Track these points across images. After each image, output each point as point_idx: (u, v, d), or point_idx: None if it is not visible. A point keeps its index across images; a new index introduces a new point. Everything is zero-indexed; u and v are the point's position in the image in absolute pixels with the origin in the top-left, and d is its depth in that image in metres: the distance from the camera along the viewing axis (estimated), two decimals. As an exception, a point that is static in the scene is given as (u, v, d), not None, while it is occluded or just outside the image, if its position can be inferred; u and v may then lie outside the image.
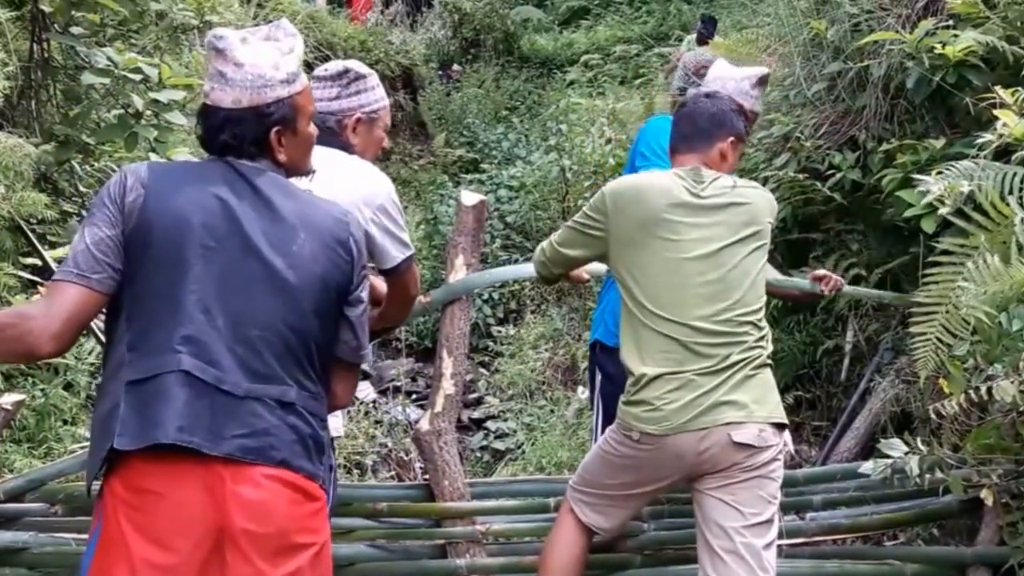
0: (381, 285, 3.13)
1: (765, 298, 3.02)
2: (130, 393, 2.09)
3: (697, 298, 2.86)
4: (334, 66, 3.13)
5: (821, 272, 3.62)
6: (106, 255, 2.15)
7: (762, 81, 3.63)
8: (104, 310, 2.21)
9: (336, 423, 2.85)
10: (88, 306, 2.14)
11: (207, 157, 2.34)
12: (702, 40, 10.52)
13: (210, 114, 2.29)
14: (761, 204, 3.05)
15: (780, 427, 2.89)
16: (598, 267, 3.50)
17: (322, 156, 2.91)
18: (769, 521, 2.85)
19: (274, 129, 2.29)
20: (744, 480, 2.82)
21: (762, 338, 2.92)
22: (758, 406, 2.84)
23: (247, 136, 2.27)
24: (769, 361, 2.95)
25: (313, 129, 2.42)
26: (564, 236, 3.16)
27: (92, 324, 4.10)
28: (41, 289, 4.35)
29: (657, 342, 2.86)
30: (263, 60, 2.28)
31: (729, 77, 3.59)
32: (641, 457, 2.90)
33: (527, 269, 3.38)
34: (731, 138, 3.12)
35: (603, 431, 3.41)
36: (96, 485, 2.20)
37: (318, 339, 2.27)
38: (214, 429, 2.08)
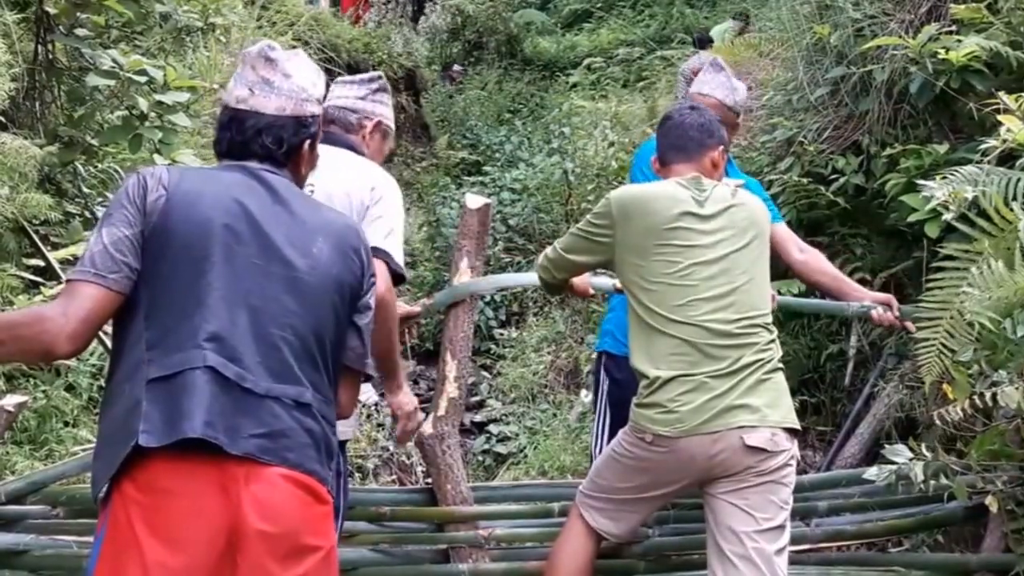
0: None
1: (771, 301, 3.04)
2: (153, 390, 2.08)
3: (708, 302, 2.87)
4: (364, 74, 3.28)
5: (884, 296, 3.60)
6: (124, 255, 2.16)
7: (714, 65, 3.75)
8: (116, 312, 2.22)
9: (344, 425, 2.85)
10: (105, 306, 2.15)
11: (224, 163, 2.37)
12: (701, 44, 10.55)
13: (247, 118, 2.34)
14: (759, 209, 3.10)
15: (792, 432, 2.90)
16: (603, 282, 3.51)
17: (331, 155, 2.94)
18: (781, 527, 2.85)
19: (307, 141, 2.38)
20: (757, 485, 2.82)
21: (772, 341, 2.94)
22: (771, 410, 2.84)
23: (284, 143, 2.34)
24: (781, 365, 2.96)
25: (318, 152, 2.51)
26: (569, 242, 3.16)
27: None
28: (44, 290, 4.35)
29: (669, 345, 2.86)
30: (306, 76, 2.40)
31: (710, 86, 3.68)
32: (654, 459, 2.90)
33: (532, 277, 3.39)
34: (720, 147, 3.17)
35: (610, 436, 3.41)
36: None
37: (333, 342, 2.30)
38: (233, 427, 2.08)
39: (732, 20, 11.27)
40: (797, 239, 3.78)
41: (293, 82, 2.36)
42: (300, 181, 2.43)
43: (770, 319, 2.97)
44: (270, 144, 2.33)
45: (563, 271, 3.26)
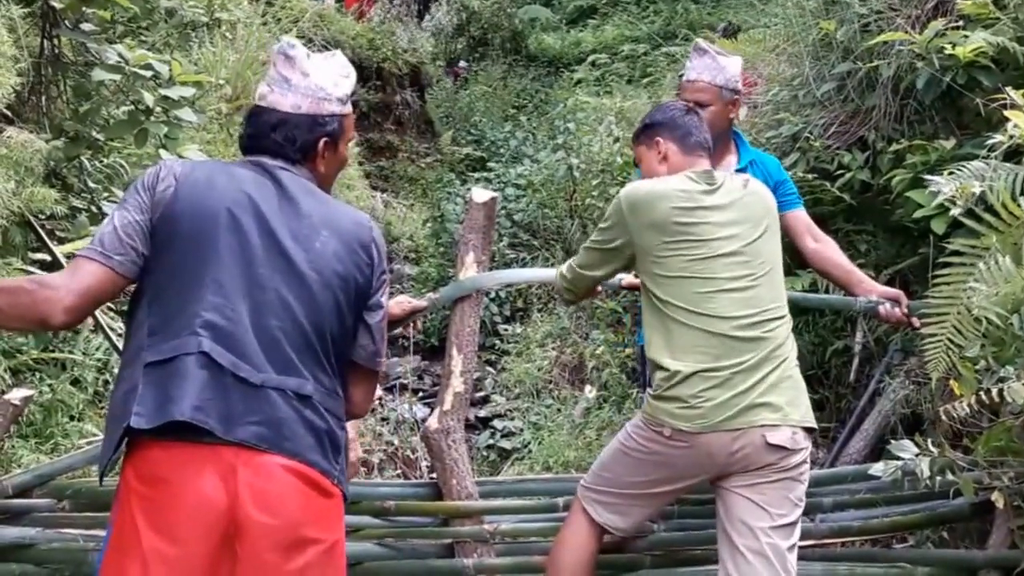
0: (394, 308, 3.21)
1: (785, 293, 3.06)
2: (149, 374, 2.11)
3: (729, 293, 2.87)
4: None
5: (894, 292, 3.56)
6: (132, 239, 2.20)
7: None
8: (128, 299, 2.25)
9: None
10: (106, 285, 2.19)
11: (239, 158, 2.41)
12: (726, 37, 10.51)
13: (263, 114, 2.39)
14: (769, 198, 3.11)
15: (809, 431, 2.90)
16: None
17: None
18: (794, 523, 2.86)
19: (323, 139, 2.41)
20: (774, 481, 2.82)
21: (788, 334, 2.95)
22: (792, 409, 2.85)
23: (298, 140, 2.38)
24: (796, 361, 2.96)
25: (348, 153, 2.53)
26: (585, 259, 3.15)
27: (102, 320, 4.13)
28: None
29: (691, 337, 2.85)
30: (326, 75, 2.43)
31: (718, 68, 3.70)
32: (671, 454, 2.88)
33: (538, 273, 3.39)
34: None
35: None
36: (114, 478, 2.22)
37: (335, 336, 2.30)
38: (228, 414, 2.10)
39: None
40: (813, 227, 3.76)
41: (311, 80, 2.40)
42: (321, 178, 2.45)
43: (786, 311, 2.98)
44: (282, 140, 2.37)
45: (585, 289, 3.27)
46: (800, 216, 3.74)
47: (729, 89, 3.69)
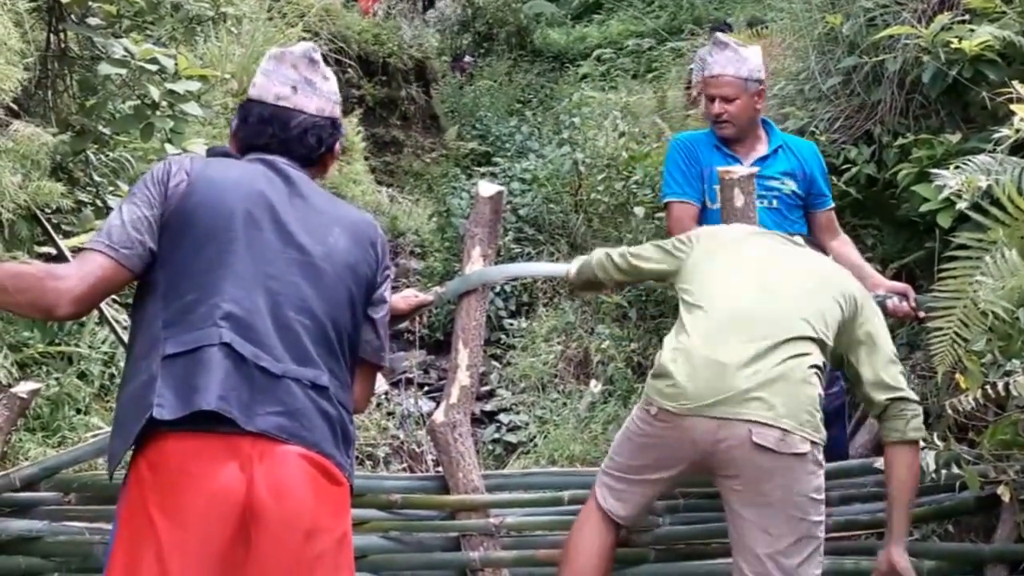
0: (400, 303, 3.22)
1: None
2: (168, 366, 2.12)
3: (746, 287, 2.91)
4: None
5: (901, 286, 3.61)
6: (140, 233, 2.21)
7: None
8: (134, 294, 2.26)
9: None
10: (113, 278, 2.20)
11: (249, 156, 2.43)
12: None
13: (291, 117, 2.44)
14: (840, 275, 3.18)
15: (812, 443, 2.74)
16: None
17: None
18: (804, 538, 2.73)
19: (338, 141, 2.51)
20: (776, 502, 2.72)
21: (813, 342, 2.82)
22: (790, 416, 2.70)
23: (323, 143, 2.46)
24: (816, 371, 2.80)
25: None
26: (644, 249, 3.25)
27: (108, 315, 4.14)
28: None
29: (698, 318, 2.88)
30: (335, 81, 2.54)
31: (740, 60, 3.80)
32: (658, 435, 2.85)
33: (544, 268, 3.40)
34: None
35: None
36: (119, 471, 2.22)
37: (349, 331, 2.34)
38: (249, 405, 2.11)
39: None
40: (837, 227, 3.94)
41: (331, 84, 2.49)
42: (322, 178, 2.53)
43: (810, 317, 2.85)
44: (313, 143, 2.44)
45: (624, 274, 3.32)
46: (828, 216, 3.92)
47: (754, 80, 3.74)
